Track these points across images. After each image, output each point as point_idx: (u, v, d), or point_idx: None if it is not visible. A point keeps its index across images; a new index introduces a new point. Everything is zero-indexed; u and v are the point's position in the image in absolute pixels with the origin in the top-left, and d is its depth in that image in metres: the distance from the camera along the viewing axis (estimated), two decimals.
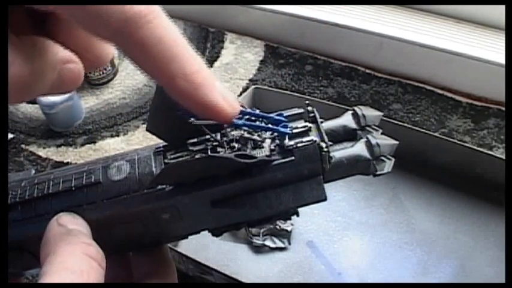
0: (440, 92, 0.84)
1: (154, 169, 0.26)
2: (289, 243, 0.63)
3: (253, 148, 0.26)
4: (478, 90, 0.81)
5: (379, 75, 0.88)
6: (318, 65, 0.92)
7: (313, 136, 0.26)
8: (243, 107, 0.26)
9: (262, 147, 0.26)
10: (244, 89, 0.87)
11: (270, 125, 0.27)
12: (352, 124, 0.29)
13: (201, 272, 0.56)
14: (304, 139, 0.26)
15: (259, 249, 0.63)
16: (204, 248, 0.63)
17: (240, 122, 0.26)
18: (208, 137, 0.26)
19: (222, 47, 0.98)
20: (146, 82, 0.93)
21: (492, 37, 0.82)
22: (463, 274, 0.59)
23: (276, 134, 0.27)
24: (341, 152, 0.28)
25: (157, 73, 0.21)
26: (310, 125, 0.27)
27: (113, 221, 0.26)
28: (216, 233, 0.28)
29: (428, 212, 0.65)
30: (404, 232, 0.63)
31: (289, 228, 0.63)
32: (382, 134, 0.29)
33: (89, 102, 0.91)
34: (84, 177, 0.26)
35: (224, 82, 0.90)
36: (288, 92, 0.75)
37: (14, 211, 0.26)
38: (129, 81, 0.94)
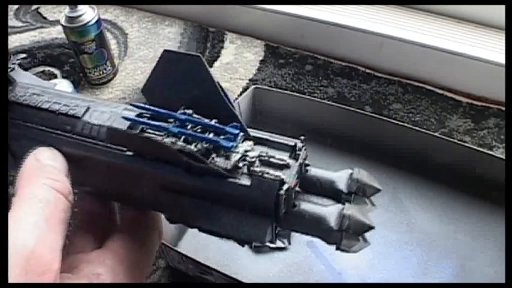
0: (440, 92, 0.84)
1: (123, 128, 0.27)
2: (289, 243, 0.63)
3: (220, 155, 0.25)
4: (478, 90, 0.81)
5: (379, 75, 0.88)
6: (318, 65, 0.91)
7: (285, 174, 0.24)
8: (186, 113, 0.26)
9: (229, 159, 0.25)
10: (244, 89, 0.87)
11: (212, 135, 0.25)
12: (342, 184, 0.26)
13: (201, 272, 0.56)
14: (272, 172, 0.24)
15: (259, 249, 0.63)
16: (204, 248, 0.63)
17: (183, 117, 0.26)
18: (192, 125, 0.26)
19: (222, 47, 0.98)
20: None
21: (492, 37, 0.82)
22: (463, 274, 0.59)
23: (251, 151, 0.25)
24: (310, 205, 0.25)
25: None
26: (291, 161, 0.25)
27: (82, 161, 0.27)
28: (170, 220, 0.28)
29: (428, 212, 0.65)
30: (404, 232, 0.63)
31: None
32: (369, 209, 0.26)
33: None
34: (70, 106, 0.28)
35: (224, 82, 0.90)
36: (288, 92, 0.75)
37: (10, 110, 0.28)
38: (129, 81, 0.94)
